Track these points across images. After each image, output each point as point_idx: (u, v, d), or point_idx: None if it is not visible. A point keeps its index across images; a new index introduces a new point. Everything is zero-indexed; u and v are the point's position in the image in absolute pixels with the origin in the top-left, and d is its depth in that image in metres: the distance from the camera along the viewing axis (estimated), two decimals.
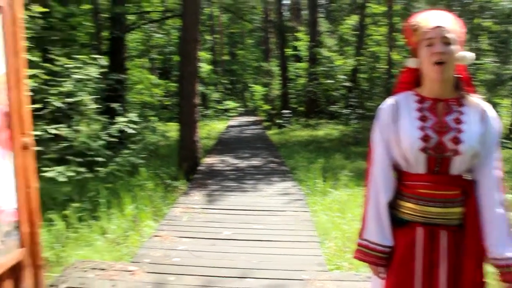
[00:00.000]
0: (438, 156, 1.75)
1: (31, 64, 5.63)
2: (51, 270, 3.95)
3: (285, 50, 23.11)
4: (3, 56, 2.87)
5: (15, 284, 3.07)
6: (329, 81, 19.98)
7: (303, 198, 6.46)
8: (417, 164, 1.79)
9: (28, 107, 3.19)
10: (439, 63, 1.71)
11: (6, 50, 2.88)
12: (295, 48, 24.50)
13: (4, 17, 2.86)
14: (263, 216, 5.51)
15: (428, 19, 1.77)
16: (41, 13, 7.85)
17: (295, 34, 24.28)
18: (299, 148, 12.83)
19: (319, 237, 4.73)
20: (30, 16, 7.05)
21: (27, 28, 3.54)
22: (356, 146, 13.26)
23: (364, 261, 1.91)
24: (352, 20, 21.26)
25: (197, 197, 6.60)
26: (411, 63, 1.87)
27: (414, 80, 1.90)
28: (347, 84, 19.46)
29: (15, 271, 3.06)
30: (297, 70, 24.03)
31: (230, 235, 4.76)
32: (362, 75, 20.14)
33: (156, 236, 4.75)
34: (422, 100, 1.84)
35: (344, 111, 18.05)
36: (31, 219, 3.20)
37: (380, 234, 1.85)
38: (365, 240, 1.89)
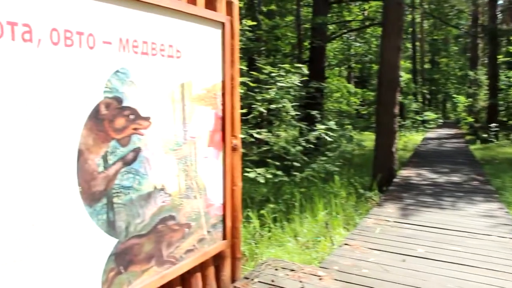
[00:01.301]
0: None
1: (240, 73, 6.16)
2: (246, 264, 4.26)
3: (497, 56, 20.99)
4: (221, 66, 3.21)
5: (216, 271, 3.41)
6: None
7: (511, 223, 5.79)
8: None
9: (238, 112, 3.51)
10: None
11: (224, 60, 3.22)
12: (509, 54, 22.08)
13: (225, 32, 3.20)
14: (462, 238, 5.08)
15: None
16: (250, 26, 8.55)
17: (510, 38, 21.87)
18: (508, 166, 11.53)
19: None
20: (241, 30, 7.71)
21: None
22: None
23: None
24: None
25: (390, 209, 6.42)
26: None
27: None
28: None
29: (217, 260, 3.39)
30: (510, 79, 21.65)
31: (423, 253, 4.50)
32: None
33: (346, 244, 4.76)
34: None
35: None
36: (234, 215, 3.51)
37: None
38: None
